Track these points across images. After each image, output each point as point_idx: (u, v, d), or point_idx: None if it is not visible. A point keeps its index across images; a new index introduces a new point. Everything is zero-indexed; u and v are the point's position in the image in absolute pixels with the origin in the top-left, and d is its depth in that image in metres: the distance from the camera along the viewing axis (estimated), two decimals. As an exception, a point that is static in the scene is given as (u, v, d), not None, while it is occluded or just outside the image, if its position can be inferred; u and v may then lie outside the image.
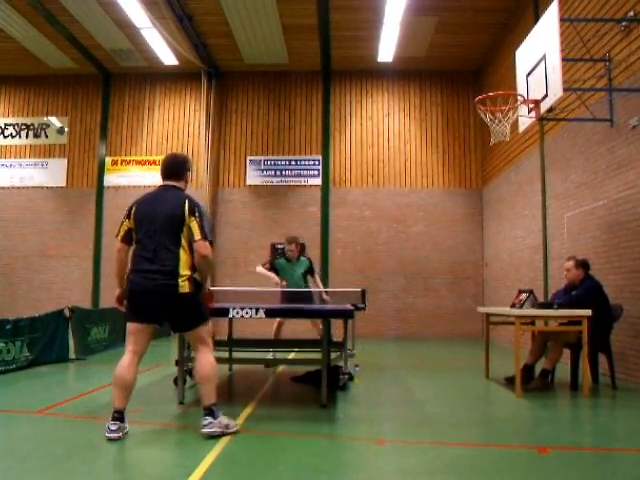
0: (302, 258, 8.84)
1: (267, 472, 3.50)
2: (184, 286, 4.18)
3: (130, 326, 4.33)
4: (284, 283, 8.56)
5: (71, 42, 13.32)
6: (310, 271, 8.83)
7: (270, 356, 8.26)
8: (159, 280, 4.17)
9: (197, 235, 4.23)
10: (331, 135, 14.94)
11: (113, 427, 4.04)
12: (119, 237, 4.42)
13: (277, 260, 8.97)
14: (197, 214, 4.28)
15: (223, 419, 4.22)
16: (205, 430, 4.13)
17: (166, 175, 4.55)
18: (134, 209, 4.42)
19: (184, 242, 4.26)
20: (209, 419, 4.15)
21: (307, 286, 8.78)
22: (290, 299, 8.41)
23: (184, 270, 4.21)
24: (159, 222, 4.28)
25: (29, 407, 5.31)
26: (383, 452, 4.06)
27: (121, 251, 4.41)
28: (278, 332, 8.72)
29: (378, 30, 12.57)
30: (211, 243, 4.34)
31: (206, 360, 4.29)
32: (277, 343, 8.51)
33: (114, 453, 3.85)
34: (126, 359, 4.25)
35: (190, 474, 3.36)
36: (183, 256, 4.24)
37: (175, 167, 4.56)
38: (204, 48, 13.54)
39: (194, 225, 4.24)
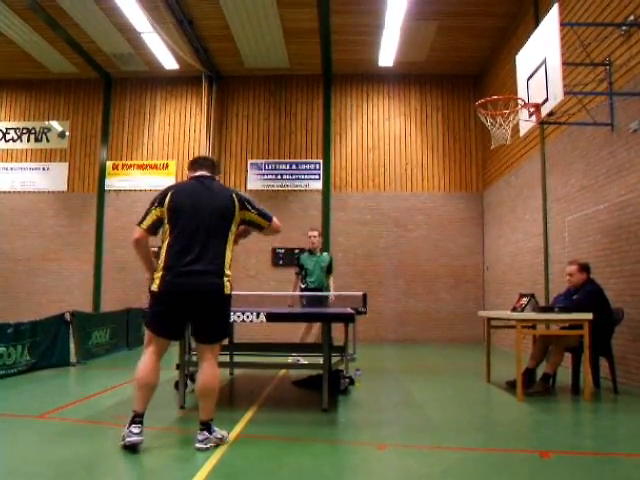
0: (325, 253, 8.79)
1: (268, 476, 3.50)
2: (227, 287, 3.98)
3: (149, 334, 4.07)
4: (302, 286, 8.55)
5: (72, 46, 13.35)
6: (329, 268, 8.71)
7: (301, 360, 8.16)
8: (207, 279, 3.89)
9: (263, 222, 4.21)
10: (332, 139, 14.95)
11: (135, 429, 3.85)
12: (144, 225, 3.99)
13: (300, 256, 8.88)
14: (250, 206, 4.16)
15: (217, 432, 4.08)
16: (200, 445, 3.94)
17: (199, 167, 4.28)
18: (170, 196, 4.03)
19: (231, 238, 4.06)
20: (205, 434, 3.98)
21: (327, 283, 8.68)
22: (311, 301, 8.37)
23: (228, 270, 3.99)
24: (206, 215, 3.97)
25: (30, 411, 5.30)
26: (384, 456, 4.05)
27: (142, 239, 4.02)
28: (305, 336, 8.60)
29: (379, 34, 12.60)
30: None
31: (213, 373, 4.03)
32: (278, 347, 8.50)
33: (115, 458, 3.85)
34: (148, 360, 4.00)
35: (192, 477, 3.35)
36: (228, 254, 4.02)
37: (208, 162, 4.37)
38: (205, 52, 13.57)
39: (253, 217, 4.16)
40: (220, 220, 4.01)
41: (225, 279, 3.96)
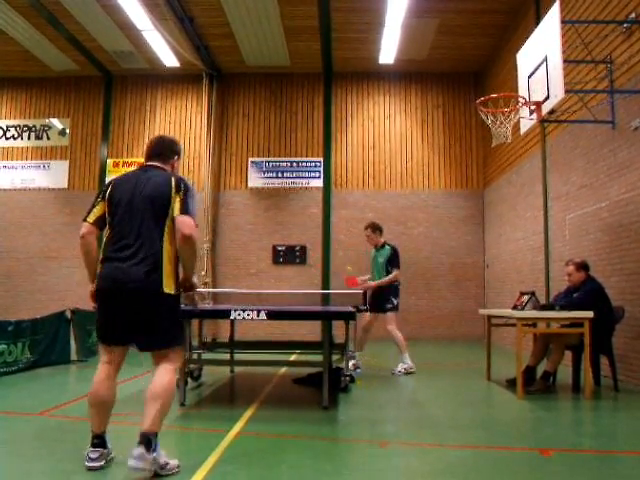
0: (386, 246, 8.30)
1: (268, 474, 3.50)
2: (168, 284, 3.48)
3: (100, 344, 3.67)
4: (363, 278, 8.39)
5: (73, 44, 13.34)
6: (389, 261, 8.20)
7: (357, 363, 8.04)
8: (138, 273, 3.42)
9: (177, 210, 3.52)
10: (332, 137, 14.94)
11: (93, 455, 3.44)
12: (89, 219, 3.68)
13: None
14: (182, 190, 3.59)
15: (161, 457, 3.33)
16: (131, 462, 3.25)
17: (150, 156, 3.86)
18: (110, 189, 3.72)
19: (168, 230, 3.54)
20: (141, 450, 3.25)
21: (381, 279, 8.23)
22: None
23: (168, 264, 3.50)
24: (138, 203, 3.57)
25: (30, 408, 5.31)
26: (385, 454, 4.05)
27: (89, 235, 3.64)
28: (364, 337, 8.33)
29: (379, 32, 12.58)
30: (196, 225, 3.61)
31: (164, 379, 3.46)
32: (277, 345, 8.50)
33: (116, 454, 3.84)
34: (101, 372, 3.58)
35: (191, 476, 3.36)
36: (167, 247, 3.52)
37: (161, 147, 3.88)
38: (205, 50, 13.56)
39: (176, 203, 3.54)
40: (152, 206, 3.56)
41: (164, 275, 3.47)
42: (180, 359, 3.73)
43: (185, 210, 3.53)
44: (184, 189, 3.62)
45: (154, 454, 3.28)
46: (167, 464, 3.37)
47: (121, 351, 3.65)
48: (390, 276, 8.13)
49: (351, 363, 7.78)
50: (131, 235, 3.54)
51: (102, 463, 3.46)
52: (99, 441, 3.50)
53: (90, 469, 3.42)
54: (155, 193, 3.60)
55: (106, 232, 3.69)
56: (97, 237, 3.70)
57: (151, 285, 3.46)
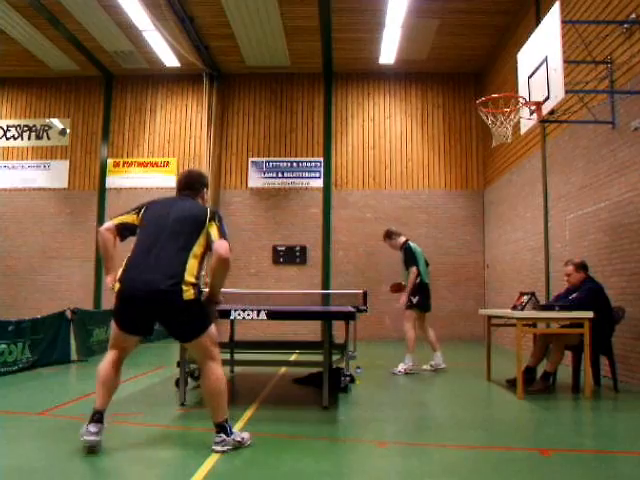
0: (406, 247, 8.33)
1: (269, 474, 3.50)
2: (189, 293, 3.79)
3: (115, 330, 4.00)
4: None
5: (73, 44, 13.35)
6: (404, 262, 8.26)
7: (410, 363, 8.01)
8: (160, 284, 3.75)
9: (215, 236, 3.93)
10: (333, 137, 14.95)
11: (93, 429, 3.77)
12: (116, 220, 4.09)
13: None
14: (217, 219, 4.02)
15: (236, 435, 3.94)
16: (217, 448, 3.82)
17: (181, 188, 4.32)
18: (145, 207, 4.14)
19: (197, 249, 3.92)
20: (222, 436, 3.85)
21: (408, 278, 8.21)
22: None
23: (190, 277, 3.83)
24: (170, 225, 3.96)
25: (31, 408, 5.32)
26: (385, 454, 4.05)
27: (107, 231, 4.03)
28: (426, 336, 8.30)
29: (380, 32, 12.59)
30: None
31: (215, 375, 3.90)
32: (277, 345, 8.50)
33: (115, 455, 3.85)
34: (109, 357, 3.97)
35: (192, 476, 3.36)
36: (192, 263, 3.87)
37: (191, 181, 4.34)
38: (206, 50, 13.56)
39: (213, 229, 3.96)
40: (185, 228, 3.96)
41: (184, 286, 3.78)
42: (215, 346, 3.99)
43: (222, 235, 3.96)
44: (218, 218, 4.05)
45: (232, 435, 3.89)
46: (243, 439, 3.97)
47: (131, 345, 4.04)
48: (410, 276, 8.14)
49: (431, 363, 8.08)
50: (156, 249, 3.89)
51: (100, 438, 3.79)
52: (99, 416, 3.82)
53: (89, 444, 3.75)
54: (188, 215, 4.02)
55: (135, 242, 4.05)
56: (114, 238, 4.05)
57: (171, 295, 3.77)
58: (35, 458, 3.77)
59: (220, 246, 3.90)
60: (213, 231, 3.95)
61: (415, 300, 8.15)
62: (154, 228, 3.99)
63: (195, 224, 3.98)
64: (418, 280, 8.18)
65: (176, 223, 3.98)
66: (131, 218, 4.11)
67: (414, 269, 8.17)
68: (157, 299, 3.78)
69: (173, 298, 3.77)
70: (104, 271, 4.13)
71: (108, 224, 4.06)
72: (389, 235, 8.55)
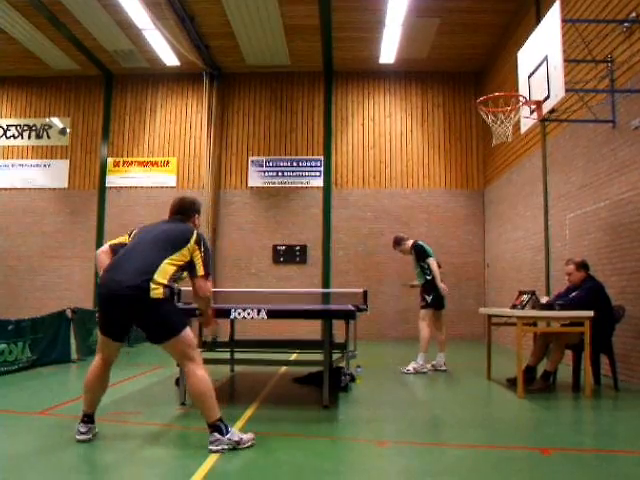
0: (415, 247, 8.40)
1: (268, 473, 3.50)
2: (157, 292, 3.87)
3: (98, 334, 4.21)
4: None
5: (73, 43, 13.35)
6: (418, 258, 8.28)
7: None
8: (130, 282, 3.87)
9: (200, 270, 4.08)
10: (333, 136, 14.94)
11: (83, 429, 4.05)
12: (110, 242, 4.38)
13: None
14: (203, 247, 4.14)
15: (234, 435, 3.90)
16: (212, 447, 3.82)
17: (174, 212, 4.48)
18: (137, 230, 4.39)
19: (176, 258, 4.02)
20: (216, 436, 3.84)
21: (423, 277, 8.27)
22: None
23: (160, 278, 3.92)
24: (152, 236, 4.16)
25: (31, 408, 5.32)
26: (385, 453, 4.06)
27: (103, 253, 4.29)
28: (435, 335, 8.33)
29: (380, 31, 12.58)
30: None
31: (195, 377, 3.93)
32: (278, 344, 8.50)
33: (116, 453, 3.85)
34: (95, 362, 4.18)
35: (192, 474, 3.36)
36: (166, 267, 3.97)
37: (182, 207, 4.49)
38: (206, 49, 13.55)
39: (198, 258, 4.09)
40: (168, 239, 4.12)
41: (152, 284, 3.87)
42: (193, 348, 4.05)
43: (206, 272, 4.12)
44: (204, 245, 4.18)
45: (228, 435, 3.87)
46: (241, 439, 3.92)
47: (113, 352, 4.21)
48: (431, 267, 8.15)
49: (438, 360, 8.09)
50: (134, 252, 4.08)
51: (90, 436, 4.07)
52: (88, 418, 4.11)
53: (79, 441, 4.02)
54: (173, 229, 4.23)
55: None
56: (109, 259, 4.23)
57: (139, 293, 3.86)
58: (36, 457, 3.76)
59: (202, 288, 4.12)
60: (197, 260, 4.10)
61: (430, 299, 8.21)
62: (137, 240, 4.22)
63: (177, 239, 4.11)
64: (430, 277, 8.19)
65: (160, 234, 4.18)
66: (123, 238, 4.36)
67: (430, 260, 8.20)
68: (126, 296, 3.88)
69: (140, 295, 3.86)
70: None
71: (104, 247, 4.36)
72: (397, 242, 8.60)
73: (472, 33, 12.78)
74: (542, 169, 10.21)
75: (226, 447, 3.83)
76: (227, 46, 13.61)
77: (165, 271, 3.96)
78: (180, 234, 4.17)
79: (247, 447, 3.91)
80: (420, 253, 8.31)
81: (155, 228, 4.30)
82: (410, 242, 8.52)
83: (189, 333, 4.04)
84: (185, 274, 4.19)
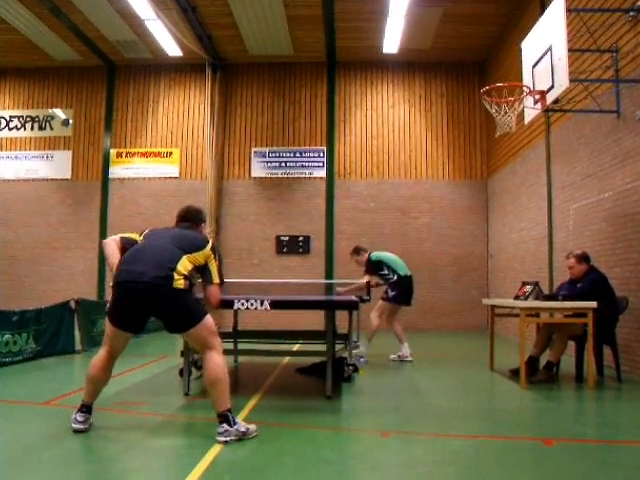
0: (366, 261, 8.68)
1: (272, 463, 3.51)
2: (179, 282, 3.96)
3: (108, 326, 4.17)
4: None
5: (75, 34, 13.30)
6: (373, 271, 8.58)
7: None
8: (152, 272, 3.93)
9: (216, 278, 4.25)
10: (336, 126, 14.90)
11: (80, 418, 4.07)
12: (122, 235, 4.40)
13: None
14: (217, 256, 4.29)
15: (240, 426, 3.94)
16: (220, 438, 3.83)
17: (180, 220, 4.58)
18: (148, 230, 4.46)
19: (193, 257, 4.13)
20: (225, 426, 3.86)
21: (386, 281, 8.52)
22: None
23: (182, 269, 4.01)
24: (169, 235, 4.27)
25: (35, 398, 5.35)
26: (388, 443, 4.07)
27: (112, 241, 4.35)
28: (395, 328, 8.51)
29: (383, 21, 12.49)
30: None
31: (214, 363, 3.99)
32: (282, 335, 8.52)
33: (120, 443, 3.87)
34: (100, 356, 4.16)
35: (196, 464, 3.38)
36: (185, 262, 4.07)
37: (189, 216, 4.60)
38: (208, 39, 13.50)
39: (213, 266, 4.24)
40: (186, 240, 4.23)
41: (175, 274, 3.96)
42: (212, 332, 4.09)
43: (221, 280, 4.30)
44: (218, 255, 4.34)
45: (235, 426, 3.90)
46: (247, 429, 3.96)
47: (122, 345, 4.21)
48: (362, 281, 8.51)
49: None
50: (152, 247, 4.16)
51: (86, 426, 4.07)
52: (86, 409, 4.12)
53: (75, 430, 4.03)
54: (189, 234, 4.34)
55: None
56: (118, 248, 4.30)
57: (162, 283, 3.93)
58: (40, 447, 3.78)
59: (213, 295, 4.29)
60: (213, 268, 4.25)
61: (392, 294, 8.41)
62: (152, 238, 4.30)
63: (194, 242, 4.25)
64: (395, 277, 8.46)
65: (176, 235, 4.29)
66: (135, 235, 4.42)
67: (367, 277, 8.53)
68: (149, 289, 3.93)
69: (164, 285, 3.93)
70: (111, 270, 4.27)
71: (115, 236, 4.40)
72: (357, 251, 8.88)
73: (476, 23, 12.70)
74: (546, 160, 10.17)
75: (233, 438, 3.86)
76: (230, 36, 13.55)
77: (186, 265, 4.06)
78: (195, 239, 4.30)
79: (252, 437, 3.95)
80: (373, 267, 8.59)
81: (170, 230, 4.40)
82: (366, 255, 8.73)
83: (210, 320, 4.11)
84: (198, 278, 4.29)
